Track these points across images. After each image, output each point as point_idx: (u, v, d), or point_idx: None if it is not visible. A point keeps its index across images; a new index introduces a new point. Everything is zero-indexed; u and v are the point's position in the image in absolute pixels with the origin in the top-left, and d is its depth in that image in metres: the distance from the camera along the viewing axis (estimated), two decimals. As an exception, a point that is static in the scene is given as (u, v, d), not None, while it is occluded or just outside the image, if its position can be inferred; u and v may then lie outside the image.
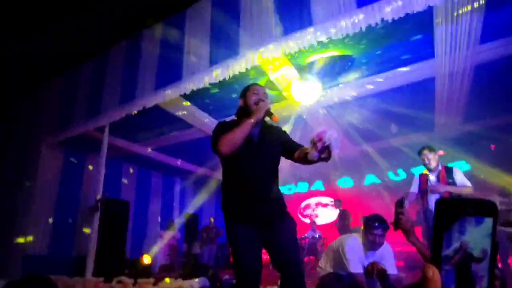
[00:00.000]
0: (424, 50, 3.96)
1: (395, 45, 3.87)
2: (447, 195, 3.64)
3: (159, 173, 9.22)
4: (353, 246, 2.79)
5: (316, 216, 9.15)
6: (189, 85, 4.28)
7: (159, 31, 4.91)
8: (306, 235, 7.23)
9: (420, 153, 3.83)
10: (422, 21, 3.48)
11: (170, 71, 4.63)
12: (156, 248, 7.66)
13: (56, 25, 5.41)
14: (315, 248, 7.04)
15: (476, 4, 3.14)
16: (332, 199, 8.26)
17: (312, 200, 9.68)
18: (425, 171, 3.85)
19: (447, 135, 6.19)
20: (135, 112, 4.84)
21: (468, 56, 3.93)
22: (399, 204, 1.51)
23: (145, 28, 5.06)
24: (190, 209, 9.46)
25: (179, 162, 8.40)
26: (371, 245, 2.66)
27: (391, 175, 8.31)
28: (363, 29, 3.05)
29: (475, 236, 0.46)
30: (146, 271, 5.94)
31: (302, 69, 4.36)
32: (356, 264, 2.71)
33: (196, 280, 3.97)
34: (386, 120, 5.51)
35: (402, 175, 8.22)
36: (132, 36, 5.25)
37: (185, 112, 5.66)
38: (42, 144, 6.28)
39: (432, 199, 3.75)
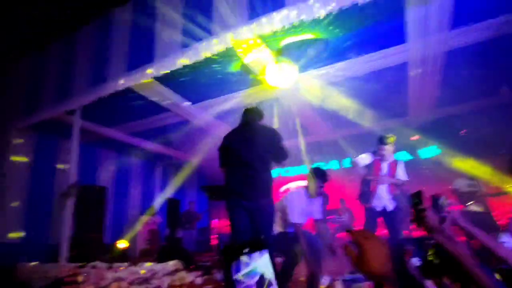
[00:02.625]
0: (396, 35, 3.97)
1: (368, 30, 3.86)
2: (392, 186, 4.16)
3: (138, 159, 9.08)
4: (294, 196, 3.08)
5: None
6: (162, 67, 4.18)
7: (130, 11, 4.72)
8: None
9: (382, 142, 4.04)
10: (395, 5, 3.48)
11: (142, 53, 4.48)
12: (135, 233, 7.65)
13: (23, 5, 5.10)
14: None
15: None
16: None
17: (292, 184, 9.81)
18: None
19: (420, 120, 6.34)
20: (107, 95, 4.68)
21: (440, 41, 3.98)
22: (417, 198, 1.26)
23: (116, 8, 4.85)
24: (171, 194, 9.43)
25: (157, 147, 8.30)
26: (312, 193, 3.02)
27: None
28: (335, 11, 3.02)
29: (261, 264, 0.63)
30: (123, 255, 5.94)
31: (277, 53, 4.31)
32: (296, 213, 2.98)
33: (170, 263, 4.01)
34: (362, 105, 5.57)
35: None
36: (102, 17, 5.03)
37: (160, 97, 5.53)
38: (11, 129, 6.03)
39: (382, 187, 4.13)
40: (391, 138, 4.13)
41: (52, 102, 5.38)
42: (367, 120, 5.88)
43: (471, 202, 5.39)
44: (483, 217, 5.14)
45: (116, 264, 4.14)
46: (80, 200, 6.10)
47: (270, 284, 0.60)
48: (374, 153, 4.36)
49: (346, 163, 8.98)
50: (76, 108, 5.12)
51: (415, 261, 2.54)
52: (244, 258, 0.58)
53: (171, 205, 9.16)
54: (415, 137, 6.77)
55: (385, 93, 5.17)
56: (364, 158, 4.33)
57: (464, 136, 6.29)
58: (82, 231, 5.79)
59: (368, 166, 4.29)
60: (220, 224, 9.63)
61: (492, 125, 5.58)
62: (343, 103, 5.42)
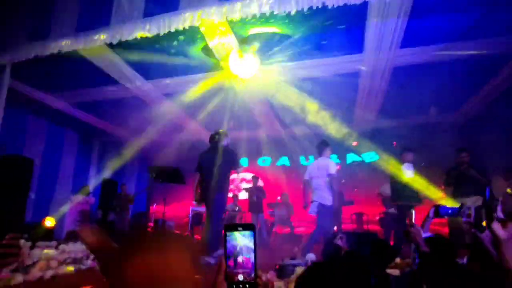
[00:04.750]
0: (354, 44, 4.27)
1: (331, 34, 4.08)
2: None
3: (74, 132, 8.25)
4: None
5: (239, 191, 9.46)
6: (117, 34, 3.83)
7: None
8: (226, 207, 7.48)
9: (324, 145, 4.40)
10: (359, 17, 3.72)
11: (97, 13, 4.06)
12: (63, 212, 6.97)
13: None
14: (234, 220, 7.34)
15: (403, 9, 3.47)
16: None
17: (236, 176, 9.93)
18: None
19: (363, 128, 6.93)
20: (46, 55, 4.14)
21: (390, 57, 4.39)
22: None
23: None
24: (109, 174, 8.78)
25: (97, 122, 7.65)
26: None
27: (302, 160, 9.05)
28: (305, 9, 3.11)
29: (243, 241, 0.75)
30: (48, 235, 5.36)
31: (243, 41, 4.29)
32: None
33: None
34: (313, 106, 5.87)
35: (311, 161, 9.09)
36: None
37: (109, 67, 5.09)
38: None
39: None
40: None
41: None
42: (316, 120, 6.21)
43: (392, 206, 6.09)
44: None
45: (41, 243, 3.75)
46: (0, 171, 5.35)
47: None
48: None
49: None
50: (6, 63, 4.44)
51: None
52: (235, 233, 0.76)
53: (107, 186, 8.56)
54: (355, 143, 7.38)
55: (337, 97, 5.51)
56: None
57: (395, 147, 7.04)
58: (1, 206, 5.08)
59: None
60: (158, 210, 9.34)
61: (419, 140, 6.35)
62: (296, 101, 5.63)
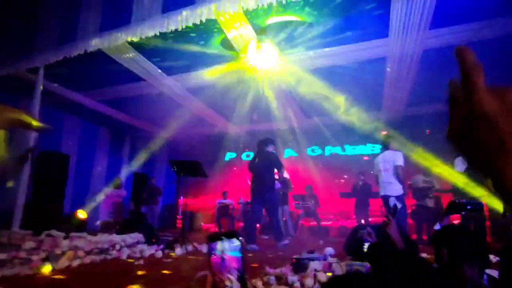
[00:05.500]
0: (379, 29, 4.02)
1: (352, 19, 3.87)
2: None
3: (106, 128, 8.68)
4: None
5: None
6: (138, 31, 3.92)
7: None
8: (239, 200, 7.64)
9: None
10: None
11: (118, 13, 4.18)
12: (97, 205, 7.40)
13: None
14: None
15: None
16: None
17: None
18: None
19: (391, 116, 6.59)
20: (75, 55, 4.35)
21: (418, 40, 4.08)
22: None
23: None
24: (139, 168, 9.16)
25: (127, 118, 7.96)
26: None
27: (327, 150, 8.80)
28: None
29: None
30: (81, 226, 5.72)
31: (261, 31, 4.21)
32: None
33: (131, 235, 3.93)
34: (338, 95, 5.65)
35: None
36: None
37: (133, 64, 5.24)
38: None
39: None
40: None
41: (13, 58, 4.91)
42: (341, 110, 6.00)
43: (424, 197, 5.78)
44: (433, 211, 5.54)
45: (73, 234, 3.99)
46: (40, 167, 5.74)
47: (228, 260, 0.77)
48: None
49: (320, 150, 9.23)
50: (39, 66, 4.73)
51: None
52: (219, 242, 0.77)
53: (138, 179, 8.91)
54: (385, 132, 7.04)
55: (362, 85, 5.27)
56: None
57: (428, 136, 6.64)
58: (41, 199, 5.47)
59: None
60: (186, 202, 9.61)
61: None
62: (319, 91, 5.46)
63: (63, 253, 3.04)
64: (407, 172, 5.89)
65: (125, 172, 9.07)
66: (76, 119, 7.75)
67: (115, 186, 7.74)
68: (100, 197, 7.49)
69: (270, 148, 4.96)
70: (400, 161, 4.45)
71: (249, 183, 5.03)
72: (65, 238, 3.77)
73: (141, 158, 9.04)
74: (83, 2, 4.47)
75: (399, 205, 4.13)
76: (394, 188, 4.43)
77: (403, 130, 6.82)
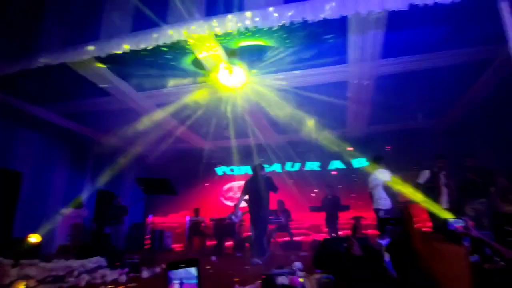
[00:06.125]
0: (339, 56, 4.36)
1: (315, 46, 4.16)
2: None
3: (67, 143, 8.20)
4: None
5: (238, 199, 9.39)
6: (106, 48, 3.87)
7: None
8: (225, 217, 7.48)
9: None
10: (340, 30, 3.81)
11: (86, 27, 4.09)
12: (54, 227, 6.89)
13: None
14: (234, 227, 7.25)
15: (379, 23, 3.57)
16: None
17: (235, 184, 9.91)
18: None
19: (355, 134, 7.00)
20: (33, 68, 4.15)
21: (372, 67, 4.48)
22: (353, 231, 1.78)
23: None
24: (104, 185, 8.71)
25: (90, 132, 7.63)
26: None
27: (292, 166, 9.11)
28: (287, 24, 3.17)
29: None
30: (34, 251, 5.23)
31: (230, 53, 4.35)
32: None
33: (92, 259, 3.71)
34: (305, 114, 5.93)
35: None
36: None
37: (100, 80, 5.12)
38: None
39: None
40: None
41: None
42: (309, 128, 6.27)
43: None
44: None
45: (24, 261, 3.68)
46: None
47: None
48: None
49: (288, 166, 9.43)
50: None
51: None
52: (177, 270, 0.80)
53: (102, 197, 8.47)
54: (350, 149, 7.44)
55: (327, 106, 5.58)
56: None
57: (388, 151, 7.11)
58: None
59: None
60: (154, 221, 9.25)
61: (408, 144, 6.42)
62: (287, 110, 5.69)
63: (11, 283, 2.79)
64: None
65: (87, 190, 8.58)
66: (33, 133, 7.24)
67: (75, 206, 7.28)
68: (58, 218, 6.99)
69: (263, 172, 5.61)
70: (388, 178, 5.03)
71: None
72: (14, 266, 3.47)
73: (106, 175, 8.62)
74: (48, 14, 4.31)
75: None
76: (384, 203, 5.01)
77: (366, 147, 7.26)
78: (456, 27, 3.80)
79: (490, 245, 2.14)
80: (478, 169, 4.92)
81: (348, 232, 7.39)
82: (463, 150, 5.56)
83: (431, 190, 5.08)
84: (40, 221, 6.84)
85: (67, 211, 7.11)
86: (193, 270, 0.76)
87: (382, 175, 5.04)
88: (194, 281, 0.76)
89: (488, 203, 4.79)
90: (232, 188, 10.02)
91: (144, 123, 6.66)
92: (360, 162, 8.21)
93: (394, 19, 3.46)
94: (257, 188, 5.37)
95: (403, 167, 6.11)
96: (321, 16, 2.98)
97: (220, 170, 10.11)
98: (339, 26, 3.58)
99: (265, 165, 9.52)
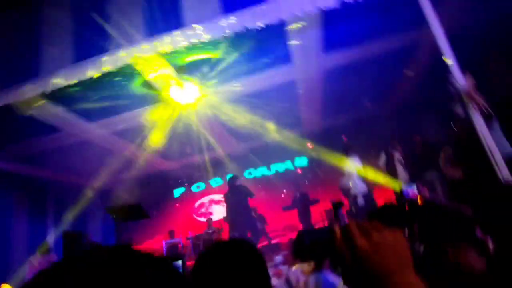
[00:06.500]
0: (284, 57, 4.62)
1: (261, 52, 4.38)
2: None
3: (21, 190, 7.64)
4: None
5: (211, 214, 9.35)
6: (48, 84, 3.75)
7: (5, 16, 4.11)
8: (201, 234, 7.42)
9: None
10: (281, 33, 4.05)
11: (23, 64, 3.94)
12: (22, 277, 6.38)
13: None
14: (212, 241, 7.22)
15: (314, 21, 3.86)
16: (222, 195, 8.64)
17: (206, 199, 9.84)
18: None
19: (312, 129, 7.33)
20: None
21: (317, 63, 4.80)
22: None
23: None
24: (69, 226, 8.20)
25: (46, 173, 7.21)
26: None
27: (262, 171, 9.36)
28: (231, 35, 3.34)
29: None
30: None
31: (180, 70, 4.43)
32: None
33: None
34: (259, 117, 6.13)
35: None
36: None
37: (49, 116, 4.92)
38: None
39: None
40: None
41: None
42: (268, 132, 6.48)
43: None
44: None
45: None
46: None
47: None
48: None
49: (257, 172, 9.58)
50: None
51: None
52: None
53: (69, 238, 7.96)
54: (310, 145, 7.76)
55: (281, 106, 5.82)
56: None
57: (346, 142, 7.52)
58: None
59: None
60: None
61: (362, 131, 6.88)
62: (243, 117, 5.87)
63: None
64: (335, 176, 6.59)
65: (52, 235, 8.03)
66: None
67: (42, 252, 6.80)
68: (26, 267, 6.49)
69: (238, 182, 6.11)
70: (359, 165, 5.70)
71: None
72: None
73: (70, 214, 8.13)
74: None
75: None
76: (360, 189, 5.64)
77: (324, 140, 7.63)
78: (385, 14, 4.10)
79: (442, 206, 2.34)
80: (425, 143, 5.42)
81: (325, 223, 7.66)
82: (411, 129, 6.06)
83: (389, 169, 5.50)
84: (7, 274, 6.31)
85: (35, 259, 6.62)
86: None
87: (354, 163, 5.57)
88: None
89: (439, 173, 5.26)
90: (203, 204, 9.94)
91: (101, 153, 6.46)
92: (302, 161, 8.72)
93: (326, 16, 3.72)
94: (237, 198, 5.86)
95: (361, 154, 6.53)
96: (260, 24, 3.16)
97: (177, 192, 9.91)
98: (279, 30, 3.81)
99: (230, 175, 9.72)
